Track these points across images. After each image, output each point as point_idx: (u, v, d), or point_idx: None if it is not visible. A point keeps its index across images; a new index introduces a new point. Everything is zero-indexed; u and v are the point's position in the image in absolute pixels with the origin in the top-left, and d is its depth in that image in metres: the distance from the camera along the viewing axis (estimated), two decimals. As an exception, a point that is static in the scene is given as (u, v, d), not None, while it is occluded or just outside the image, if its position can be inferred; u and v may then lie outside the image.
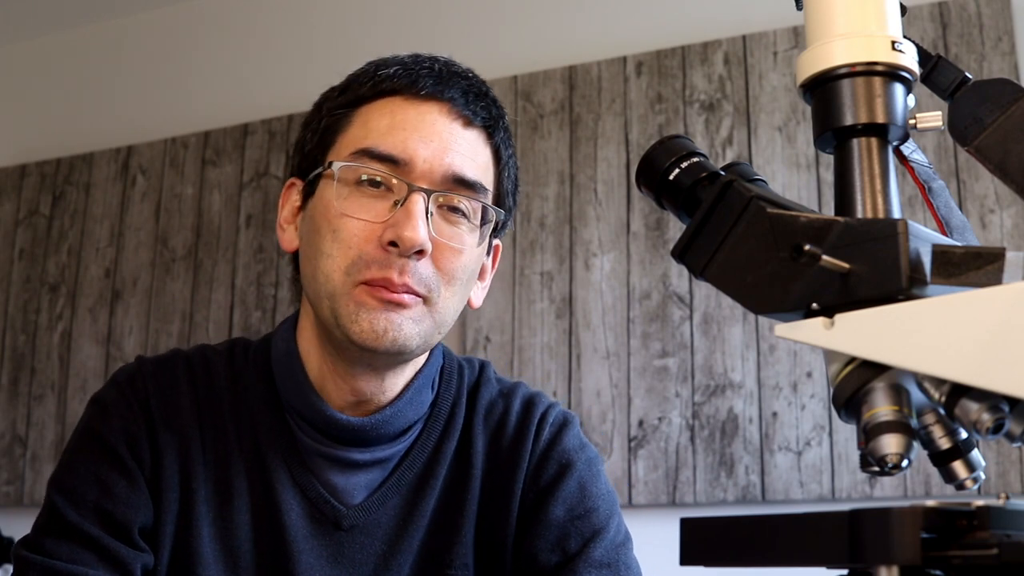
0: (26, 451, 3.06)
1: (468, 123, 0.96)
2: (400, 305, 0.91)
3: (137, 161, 3.18)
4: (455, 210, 0.94)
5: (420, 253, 0.91)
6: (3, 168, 3.39)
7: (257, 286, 2.92)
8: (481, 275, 1.04)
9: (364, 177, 0.93)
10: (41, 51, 3.53)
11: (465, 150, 0.95)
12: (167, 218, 3.10)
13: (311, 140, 0.99)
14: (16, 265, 3.26)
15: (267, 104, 3.05)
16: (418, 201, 0.91)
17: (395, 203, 0.91)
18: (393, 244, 0.90)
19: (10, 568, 2.66)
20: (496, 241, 1.05)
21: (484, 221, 0.97)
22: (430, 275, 0.92)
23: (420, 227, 0.89)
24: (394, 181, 0.92)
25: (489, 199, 0.98)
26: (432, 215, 0.92)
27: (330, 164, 0.95)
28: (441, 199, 0.93)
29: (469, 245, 0.95)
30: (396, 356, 0.95)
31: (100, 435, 0.96)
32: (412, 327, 0.92)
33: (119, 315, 3.07)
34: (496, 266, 1.07)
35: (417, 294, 0.92)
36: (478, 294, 1.04)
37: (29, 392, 3.12)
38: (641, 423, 2.44)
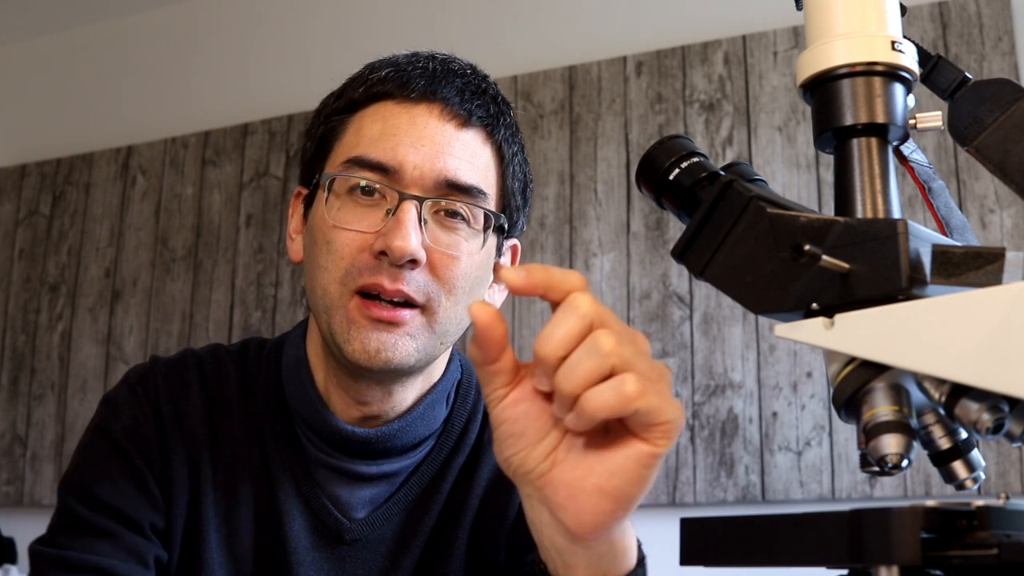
0: (26, 451, 3.06)
1: (464, 123, 0.92)
2: (393, 323, 0.88)
3: (137, 161, 3.18)
4: (453, 215, 0.90)
5: (413, 263, 0.87)
6: (3, 168, 3.39)
7: (257, 286, 2.92)
8: (499, 278, 0.99)
9: (356, 186, 0.90)
10: (41, 51, 3.53)
11: (460, 152, 0.91)
12: (167, 218, 3.10)
13: (311, 149, 0.97)
14: (16, 265, 3.26)
15: (267, 104, 3.05)
16: (409, 209, 0.87)
17: (388, 212, 0.88)
18: (384, 253, 0.87)
19: (10, 568, 2.66)
20: (513, 241, 1.01)
21: (487, 225, 0.93)
22: (427, 283, 0.89)
23: (411, 236, 0.86)
24: (385, 189, 0.89)
25: (490, 202, 0.93)
26: (427, 222, 0.89)
27: (320, 176, 0.93)
28: (436, 205, 0.90)
29: (468, 252, 0.91)
30: (394, 374, 0.92)
31: (111, 436, 0.95)
32: (408, 344, 0.89)
33: (119, 315, 3.07)
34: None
35: (414, 303, 0.88)
36: (495, 297, 1.00)
37: (29, 392, 3.12)
38: (641, 423, 2.44)
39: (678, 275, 2.47)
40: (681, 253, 0.65)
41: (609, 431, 0.61)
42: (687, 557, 0.57)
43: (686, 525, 0.58)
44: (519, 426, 0.62)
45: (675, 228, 2.47)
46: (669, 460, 2.39)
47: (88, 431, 0.98)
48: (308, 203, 0.97)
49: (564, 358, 0.59)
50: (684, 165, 0.67)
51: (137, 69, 3.36)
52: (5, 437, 3.11)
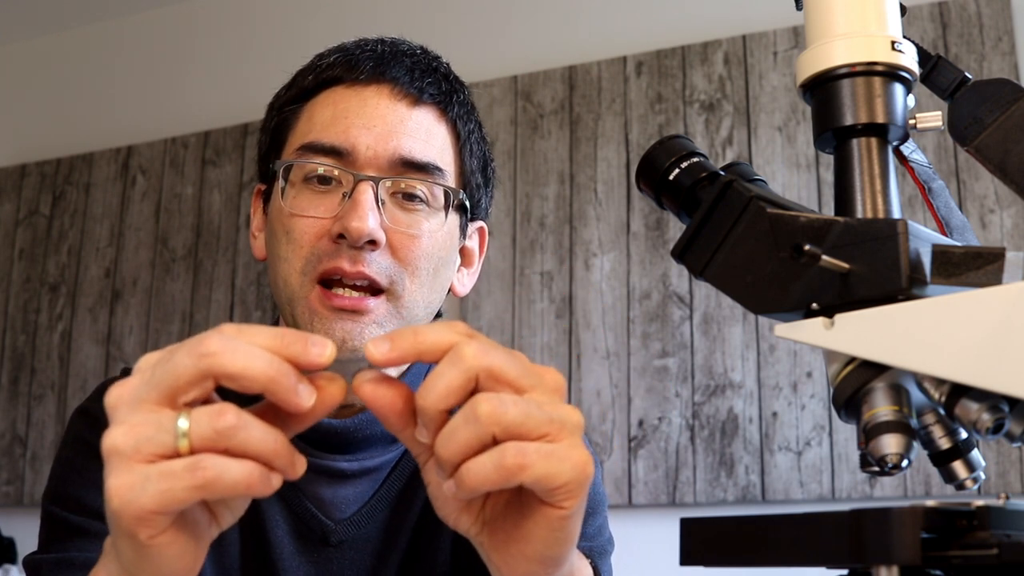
0: (26, 451, 3.06)
1: (415, 102, 0.91)
2: (358, 312, 0.86)
3: (137, 161, 3.18)
4: (411, 196, 0.89)
5: (373, 244, 0.86)
6: (3, 168, 3.39)
7: (257, 286, 2.92)
8: (467, 261, 0.99)
9: (311, 174, 0.89)
10: (41, 51, 3.53)
11: (413, 131, 0.90)
12: (167, 218, 3.10)
13: (265, 142, 0.97)
14: (16, 265, 3.26)
15: (267, 104, 3.05)
16: (365, 190, 0.86)
17: (344, 195, 0.87)
18: (342, 236, 0.85)
19: (10, 568, 2.65)
20: (480, 224, 1.00)
21: (448, 204, 0.91)
22: (389, 265, 0.87)
23: (368, 216, 0.85)
24: (340, 173, 0.88)
25: (449, 180, 0.92)
26: (385, 203, 0.88)
27: (275, 165, 0.92)
28: (392, 185, 0.89)
29: (428, 231, 0.89)
30: (362, 363, 0.91)
31: (93, 444, 0.92)
32: (375, 333, 0.86)
33: (119, 315, 3.07)
34: (484, 251, 1.02)
35: (378, 286, 0.87)
36: (464, 281, 0.99)
37: (29, 392, 3.12)
38: (641, 423, 2.44)
39: (678, 275, 2.47)
40: (681, 253, 0.65)
41: (523, 492, 0.57)
42: (687, 557, 0.57)
43: (686, 525, 0.58)
44: (443, 490, 0.59)
45: (675, 228, 2.47)
46: (669, 460, 2.39)
47: (67, 444, 0.95)
48: (267, 199, 0.96)
49: (447, 413, 0.54)
50: (684, 165, 0.67)
51: (137, 69, 3.35)
52: (5, 437, 3.11)
